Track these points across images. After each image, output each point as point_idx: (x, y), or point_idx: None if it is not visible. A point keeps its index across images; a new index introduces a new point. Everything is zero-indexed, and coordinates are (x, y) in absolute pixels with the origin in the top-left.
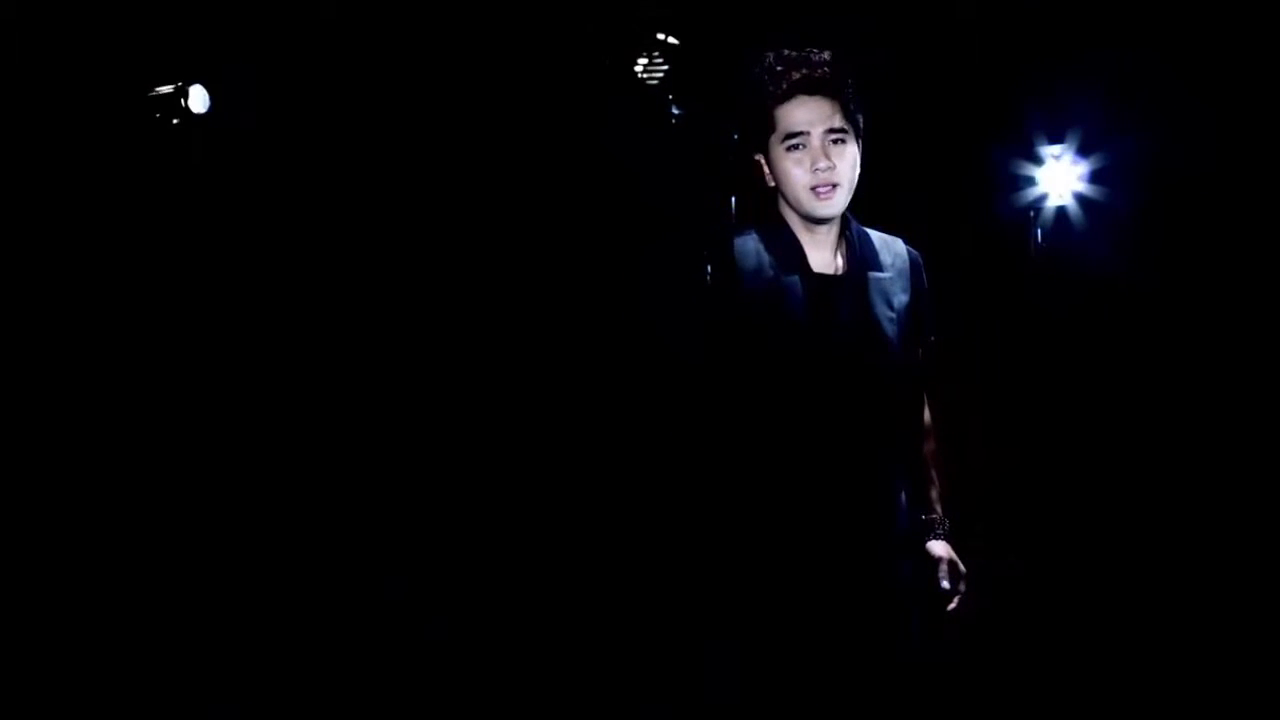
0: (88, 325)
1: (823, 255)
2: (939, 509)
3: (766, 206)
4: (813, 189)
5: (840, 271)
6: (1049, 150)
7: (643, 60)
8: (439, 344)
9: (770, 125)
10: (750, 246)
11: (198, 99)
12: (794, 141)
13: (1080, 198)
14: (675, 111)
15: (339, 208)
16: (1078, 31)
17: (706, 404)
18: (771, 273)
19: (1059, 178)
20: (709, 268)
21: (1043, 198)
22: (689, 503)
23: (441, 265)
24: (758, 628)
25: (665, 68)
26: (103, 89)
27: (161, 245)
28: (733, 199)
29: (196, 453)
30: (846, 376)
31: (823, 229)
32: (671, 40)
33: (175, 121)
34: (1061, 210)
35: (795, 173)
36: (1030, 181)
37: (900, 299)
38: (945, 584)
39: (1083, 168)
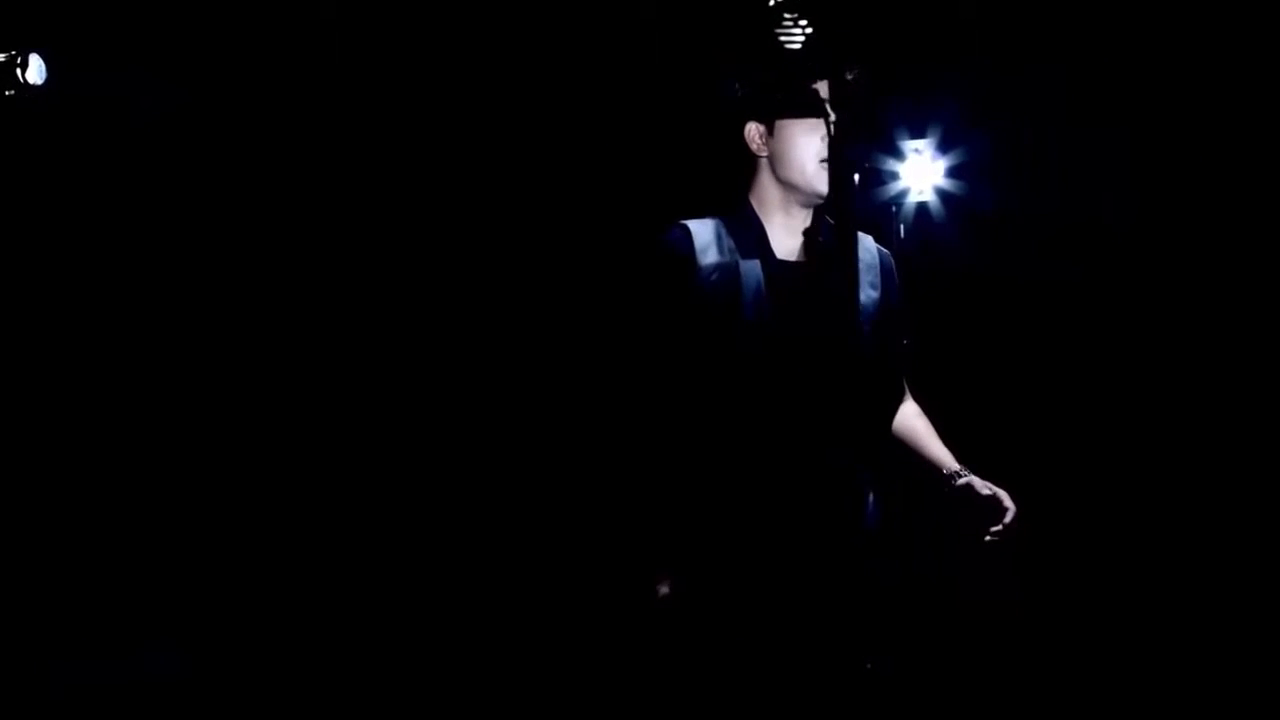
0: None
1: (789, 243)
2: (956, 462)
3: (736, 186)
4: (821, 162)
5: (805, 259)
6: (911, 145)
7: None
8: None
9: (792, 94)
10: (711, 234)
11: (35, 70)
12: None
13: (941, 192)
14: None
15: (210, 195)
16: (942, 29)
17: (667, 397)
18: (733, 259)
19: (921, 173)
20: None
21: (904, 192)
22: (649, 500)
23: (392, 255)
24: (722, 627)
25: (807, 28)
26: None
27: None
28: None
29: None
30: (809, 367)
31: (796, 214)
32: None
33: (9, 94)
34: (923, 205)
35: (808, 139)
36: (893, 176)
37: (868, 293)
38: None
39: (944, 163)
